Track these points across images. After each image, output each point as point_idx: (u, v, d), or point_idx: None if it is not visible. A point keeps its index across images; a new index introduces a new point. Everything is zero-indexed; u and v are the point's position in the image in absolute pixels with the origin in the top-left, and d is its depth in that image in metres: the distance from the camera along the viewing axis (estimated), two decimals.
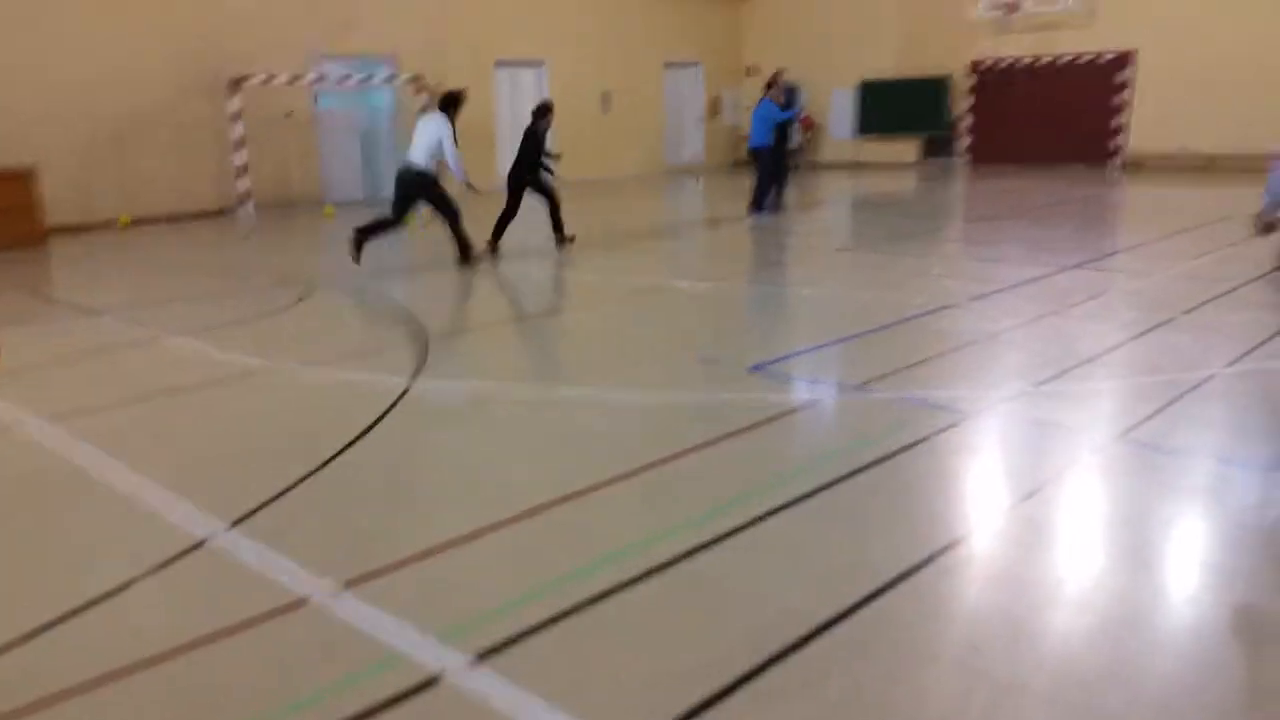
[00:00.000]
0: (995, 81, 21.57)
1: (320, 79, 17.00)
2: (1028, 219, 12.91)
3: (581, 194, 19.06)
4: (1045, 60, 20.74)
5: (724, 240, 12.48)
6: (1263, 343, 5.99)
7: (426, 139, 9.86)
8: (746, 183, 21.30)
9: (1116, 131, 19.99)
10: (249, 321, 7.84)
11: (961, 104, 22.12)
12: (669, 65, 23.84)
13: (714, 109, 25.17)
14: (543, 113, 11.18)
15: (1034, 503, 3.82)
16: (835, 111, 23.82)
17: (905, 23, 22.54)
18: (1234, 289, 7.54)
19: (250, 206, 16.28)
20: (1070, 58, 20.33)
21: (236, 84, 15.94)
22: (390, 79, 18.22)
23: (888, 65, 22.59)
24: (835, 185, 19.79)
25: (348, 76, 17.43)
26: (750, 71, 25.29)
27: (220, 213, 16.29)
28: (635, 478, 4.17)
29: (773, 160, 14.27)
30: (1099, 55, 19.93)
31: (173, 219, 15.69)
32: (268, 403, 5.60)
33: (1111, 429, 4.64)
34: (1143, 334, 6.35)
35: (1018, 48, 21.02)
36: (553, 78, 21.16)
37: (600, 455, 4.49)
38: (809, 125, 23.75)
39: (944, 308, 7.34)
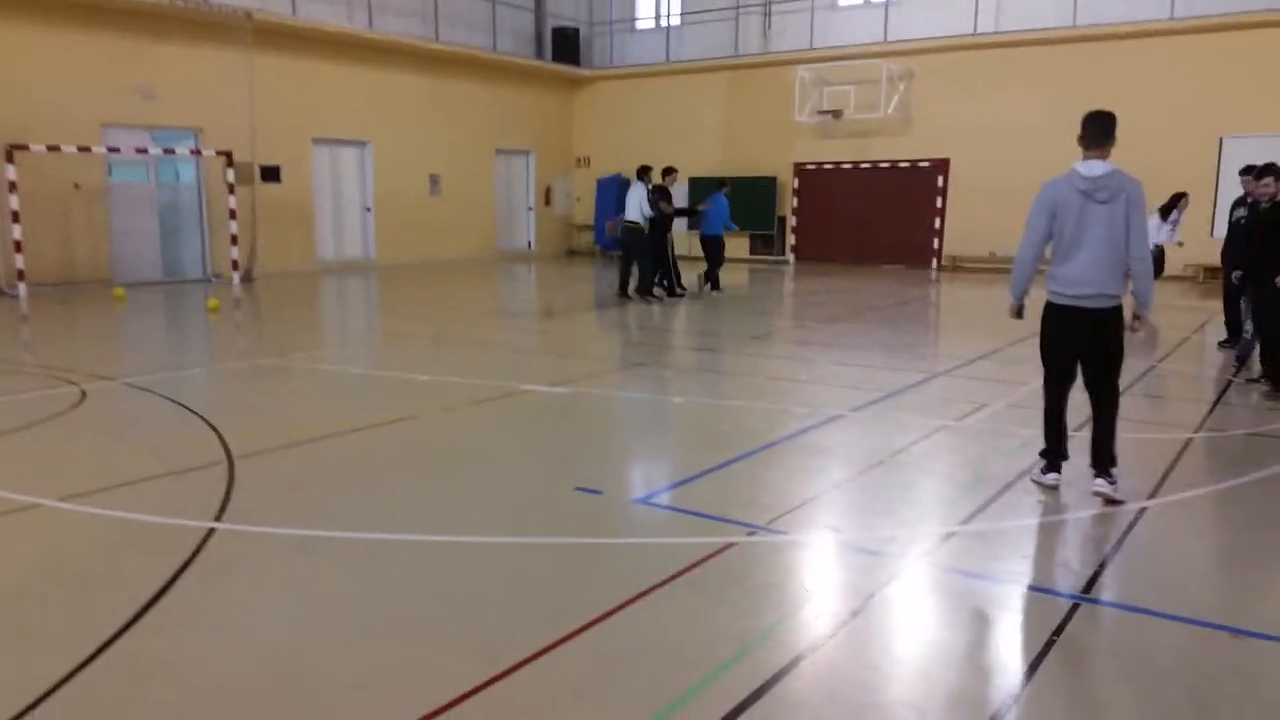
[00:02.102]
0: (819, 183, 22.17)
1: (115, 150, 15.31)
2: (873, 320, 12.88)
3: (409, 279, 17.92)
4: (866, 165, 21.51)
5: (571, 334, 11.71)
6: (1170, 468, 5.73)
7: (635, 201, 14.01)
8: (581, 270, 20.98)
9: (934, 234, 20.84)
10: (5, 434, 6.33)
11: (787, 203, 22.58)
12: (500, 151, 23.26)
13: (546, 197, 24.71)
14: (644, 173, 14.28)
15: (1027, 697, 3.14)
16: (638, 203, 23.78)
17: (733, 122, 22.96)
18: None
19: (21, 288, 14.22)
20: (889, 164, 21.17)
21: (10, 152, 14.06)
22: (196, 152, 16.69)
23: (715, 163, 22.83)
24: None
25: (144, 149, 15.81)
26: (581, 162, 25.08)
27: None
28: (515, 679, 3.20)
29: (654, 248, 14.42)
30: (915, 162, 20.85)
31: None
32: (15, 558, 4.25)
33: (1051, 581, 4.08)
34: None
35: (840, 152, 21.74)
36: (378, 157, 20.09)
37: (467, 639, 3.49)
38: None
39: (829, 420, 6.79)
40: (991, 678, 3.23)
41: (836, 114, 21.15)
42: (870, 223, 21.62)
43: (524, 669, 3.20)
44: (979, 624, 3.72)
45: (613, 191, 23.24)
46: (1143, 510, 4.91)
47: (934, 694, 3.14)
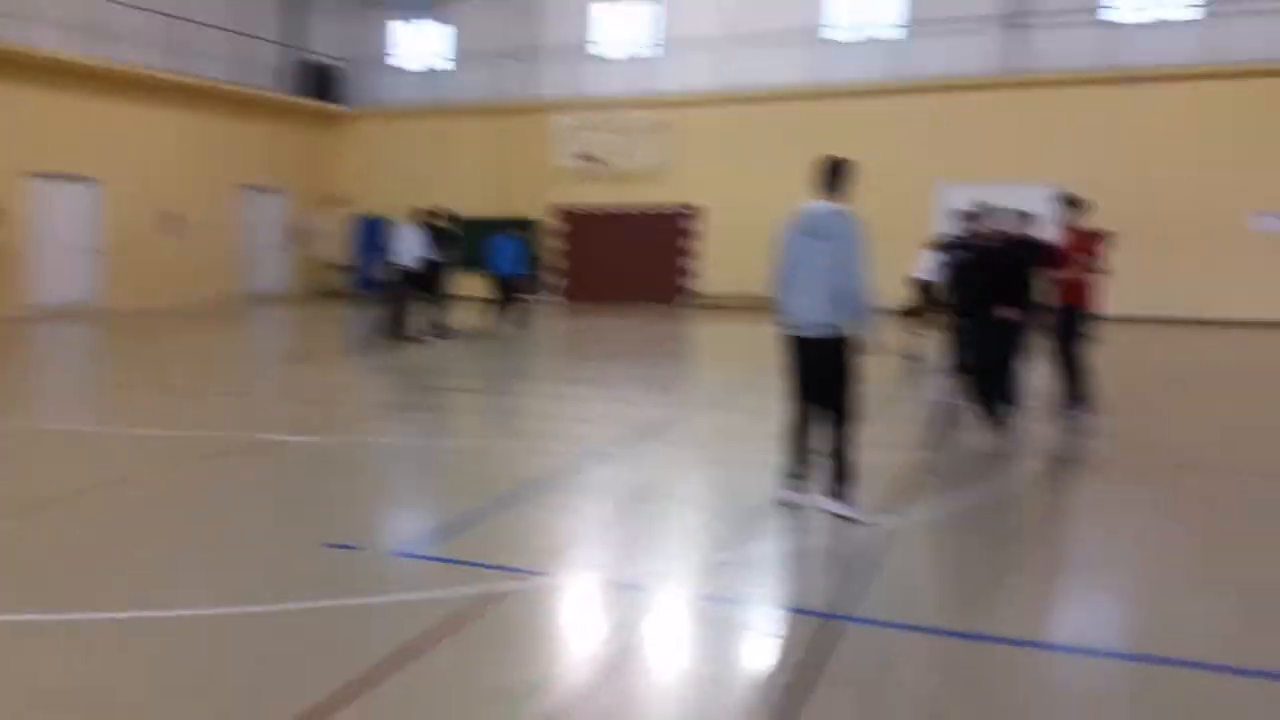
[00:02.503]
0: (581, 226, 22.46)
1: None
2: (637, 357, 13.07)
3: (145, 326, 16.39)
4: (627, 210, 22.03)
5: (324, 380, 11.05)
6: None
7: (410, 243, 13.52)
8: (338, 313, 20.02)
9: (687, 274, 21.63)
10: None
11: (552, 246, 22.70)
12: (249, 188, 21.90)
13: (300, 237, 23.49)
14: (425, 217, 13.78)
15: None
16: (406, 245, 23.25)
17: (496, 164, 22.88)
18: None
19: None
20: (648, 209, 21.80)
21: None
22: None
23: (476, 204, 22.57)
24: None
25: None
26: (333, 200, 24.10)
27: None
28: None
29: (430, 289, 14.00)
30: (671, 208, 21.59)
31: None
32: None
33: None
34: None
35: (601, 196, 22.15)
36: (110, 194, 18.33)
37: None
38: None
39: (596, 457, 6.73)
40: (761, 704, 3.20)
41: (597, 160, 21.56)
42: (631, 264, 22.10)
43: None
44: (745, 651, 3.72)
45: (373, 231, 22.44)
46: (887, 528, 5.14)
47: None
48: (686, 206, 21.39)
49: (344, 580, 4.35)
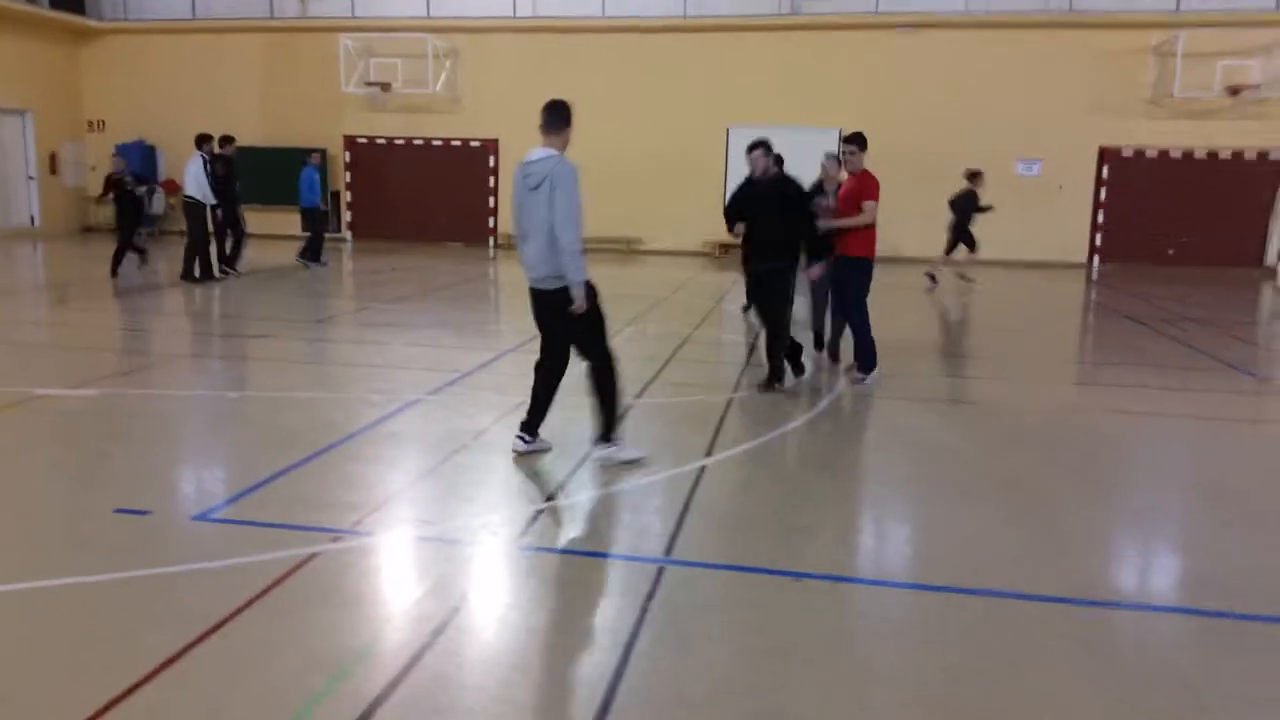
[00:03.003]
0: (372, 158, 21.51)
1: None
2: (441, 299, 12.78)
3: None
4: (418, 141, 21.26)
5: (94, 325, 10.12)
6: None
7: (193, 173, 12.81)
8: (101, 250, 18.25)
9: (489, 213, 21.23)
10: None
11: (340, 178, 21.62)
12: None
13: (51, 165, 21.19)
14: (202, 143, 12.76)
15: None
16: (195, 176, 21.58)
17: (273, 89, 21.40)
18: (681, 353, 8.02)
19: None
20: (441, 141, 21.13)
21: None
22: None
23: (255, 132, 21.11)
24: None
25: None
26: (94, 126, 21.88)
27: None
28: None
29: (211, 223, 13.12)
30: (466, 141, 21.02)
31: None
32: None
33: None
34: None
35: (392, 127, 21.25)
36: None
37: None
38: (174, 189, 21.18)
39: (407, 405, 6.58)
40: (596, 653, 3.29)
41: (385, 87, 20.60)
42: (427, 200, 21.41)
43: None
44: (576, 601, 3.79)
45: (136, 159, 20.53)
46: (703, 469, 5.36)
47: (545, 683, 3.13)
48: (481, 141, 20.89)
49: (140, 549, 4.07)
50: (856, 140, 7.79)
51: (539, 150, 5.22)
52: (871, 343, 7.57)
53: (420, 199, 21.42)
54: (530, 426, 5.55)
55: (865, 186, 7.46)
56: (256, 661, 3.17)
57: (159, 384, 7.33)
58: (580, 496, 4.92)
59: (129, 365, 8.04)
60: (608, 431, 5.43)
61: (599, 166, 20.12)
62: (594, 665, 3.19)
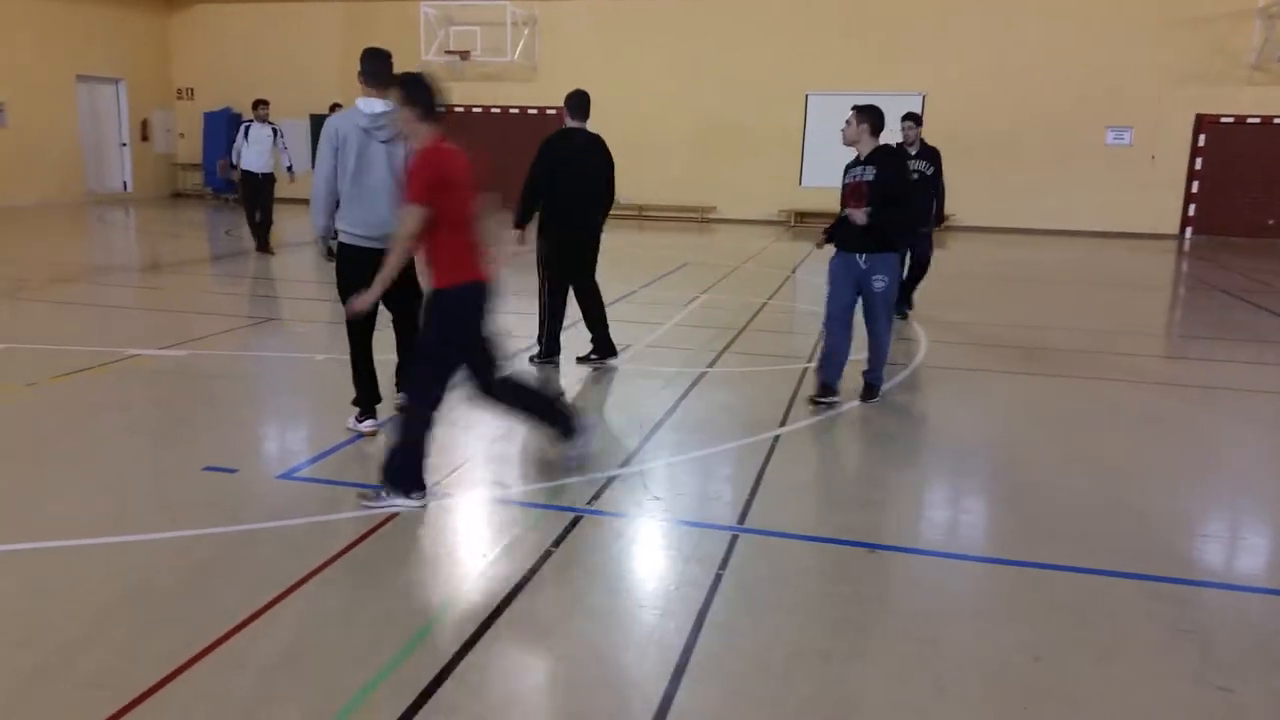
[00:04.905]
0: (451, 125, 21.66)
1: None
2: (517, 265, 12.83)
3: None
4: (495, 109, 21.36)
5: (185, 288, 10.46)
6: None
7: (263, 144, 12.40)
8: (191, 215, 18.85)
9: None
10: None
11: None
12: (82, 79, 20.15)
13: (144, 132, 21.86)
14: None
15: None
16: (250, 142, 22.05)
17: (353, 58, 21.64)
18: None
19: None
20: (517, 109, 21.19)
21: None
22: None
23: (339, 100, 21.45)
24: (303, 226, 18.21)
25: None
26: (183, 94, 22.49)
27: None
28: (147, 709, 2.77)
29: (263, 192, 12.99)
30: (542, 109, 21.05)
31: None
32: None
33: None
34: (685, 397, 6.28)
35: (470, 95, 21.38)
36: None
37: (79, 671, 2.97)
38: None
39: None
40: (669, 619, 3.30)
41: (464, 55, 20.72)
42: (502, 167, 21.50)
43: (160, 692, 2.76)
44: (649, 567, 3.80)
45: (222, 127, 21.09)
46: (776, 438, 5.32)
47: (619, 646, 3.15)
48: (558, 109, 20.89)
49: (228, 506, 4.20)
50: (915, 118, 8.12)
51: (377, 103, 4.95)
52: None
53: (498, 166, 21.56)
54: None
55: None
56: (339, 618, 3.26)
57: (247, 346, 7.55)
58: (654, 463, 4.93)
59: (219, 327, 8.29)
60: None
61: (674, 134, 20.09)
62: (667, 631, 3.20)
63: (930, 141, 8.73)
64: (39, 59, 18.94)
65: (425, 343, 4.25)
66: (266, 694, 2.78)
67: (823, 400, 5.91)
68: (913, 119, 8.60)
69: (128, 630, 3.13)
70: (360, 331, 5.18)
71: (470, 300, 4.17)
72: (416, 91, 4.15)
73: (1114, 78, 17.83)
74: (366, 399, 5.25)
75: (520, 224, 6.68)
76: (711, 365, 7.02)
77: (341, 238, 5.04)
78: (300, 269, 12.12)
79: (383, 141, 4.95)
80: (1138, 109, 17.96)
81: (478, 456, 5.05)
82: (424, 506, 4.17)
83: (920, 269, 8.85)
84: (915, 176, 8.35)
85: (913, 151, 8.52)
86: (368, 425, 5.22)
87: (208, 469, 4.61)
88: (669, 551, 3.92)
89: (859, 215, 5.57)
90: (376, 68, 5.09)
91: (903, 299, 8.61)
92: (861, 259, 5.72)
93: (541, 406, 4.62)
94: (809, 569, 3.76)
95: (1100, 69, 17.83)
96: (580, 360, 6.88)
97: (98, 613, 3.24)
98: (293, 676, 2.88)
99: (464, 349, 4.24)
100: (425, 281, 4.23)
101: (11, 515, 4.06)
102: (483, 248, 4.24)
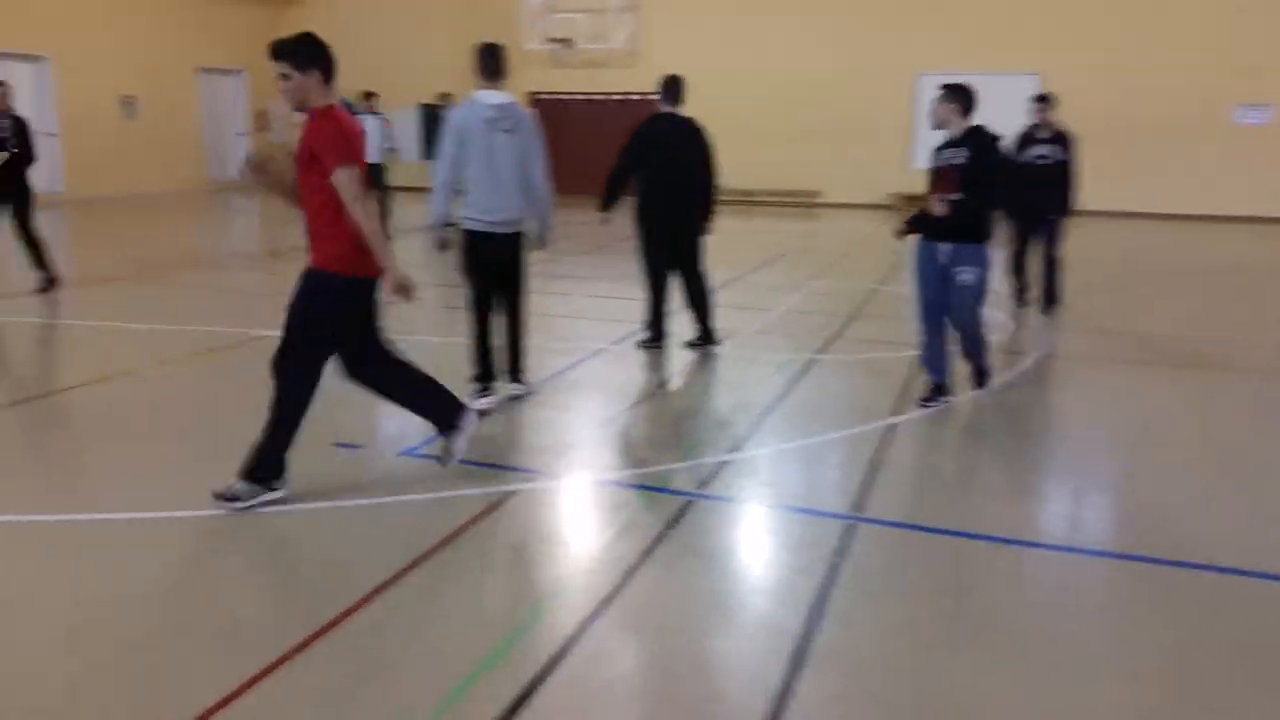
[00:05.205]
0: (554, 114, 21.91)
1: None
2: (624, 251, 12.93)
3: (107, 214, 15.95)
4: (598, 97, 21.48)
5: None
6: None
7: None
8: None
9: None
10: None
11: None
12: (204, 71, 21.04)
13: (262, 122, 22.71)
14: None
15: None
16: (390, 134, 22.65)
17: (461, 47, 22.05)
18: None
19: None
20: (620, 96, 21.25)
21: None
22: None
23: (444, 89, 21.89)
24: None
25: None
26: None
27: None
28: (285, 673, 2.89)
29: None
30: (645, 96, 21.05)
31: None
32: None
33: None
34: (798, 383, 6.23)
35: (572, 83, 21.54)
36: (60, 75, 17.51)
37: (215, 637, 3.12)
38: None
39: (592, 355, 6.73)
40: (786, 606, 3.28)
41: (567, 42, 20.88)
42: (605, 154, 21.62)
43: (303, 655, 2.88)
44: (763, 552, 3.79)
45: None
46: (890, 426, 5.23)
47: (737, 631, 3.15)
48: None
49: (358, 479, 4.39)
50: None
51: (497, 94, 5.26)
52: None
53: (598, 154, 21.69)
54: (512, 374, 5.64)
55: None
56: (461, 592, 3.35)
57: None
58: (765, 450, 4.91)
59: None
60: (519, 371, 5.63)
61: (778, 118, 19.85)
62: (784, 618, 3.18)
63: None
64: (164, 53, 19.82)
65: (296, 328, 4.02)
66: (390, 662, 2.87)
67: (931, 402, 5.56)
68: (1044, 100, 8.14)
69: (269, 594, 3.28)
70: (482, 310, 5.44)
71: (354, 297, 4.00)
72: (317, 54, 3.93)
73: (1249, 52, 16.85)
74: (486, 374, 5.50)
75: (604, 208, 6.71)
76: (822, 352, 6.94)
77: (466, 224, 5.35)
78: (411, 254, 12.43)
79: (505, 131, 5.19)
80: (1277, 85, 16.96)
81: (587, 439, 5.11)
82: (284, 495, 4.01)
83: (1053, 262, 8.33)
84: (1041, 162, 8.02)
85: (1045, 135, 8.10)
86: (485, 403, 5.39)
87: (338, 444, 4.78)
88: (781, 538, 3.90)
89: (939, 206, 5.18)
90: (492, 62, 5.29)
91: (1047, 298, 8.26)
92: (944, 249, 5.34)
93: (421, 397, 4.34)
94: (929, 560, 3.69)
95: (1233, 43, 16.88)
96: (687, 345, 6.88)
97: (241, 576, 3.41)
98: (415, 647, 2.97)
99: (337, 338, 4.06)
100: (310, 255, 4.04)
101: (163, 487, 4.28)
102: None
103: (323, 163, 3.78)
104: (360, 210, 3.79)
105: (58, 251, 9.10)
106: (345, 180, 3.76)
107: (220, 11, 21.14)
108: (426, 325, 8.15)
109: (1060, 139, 8.07)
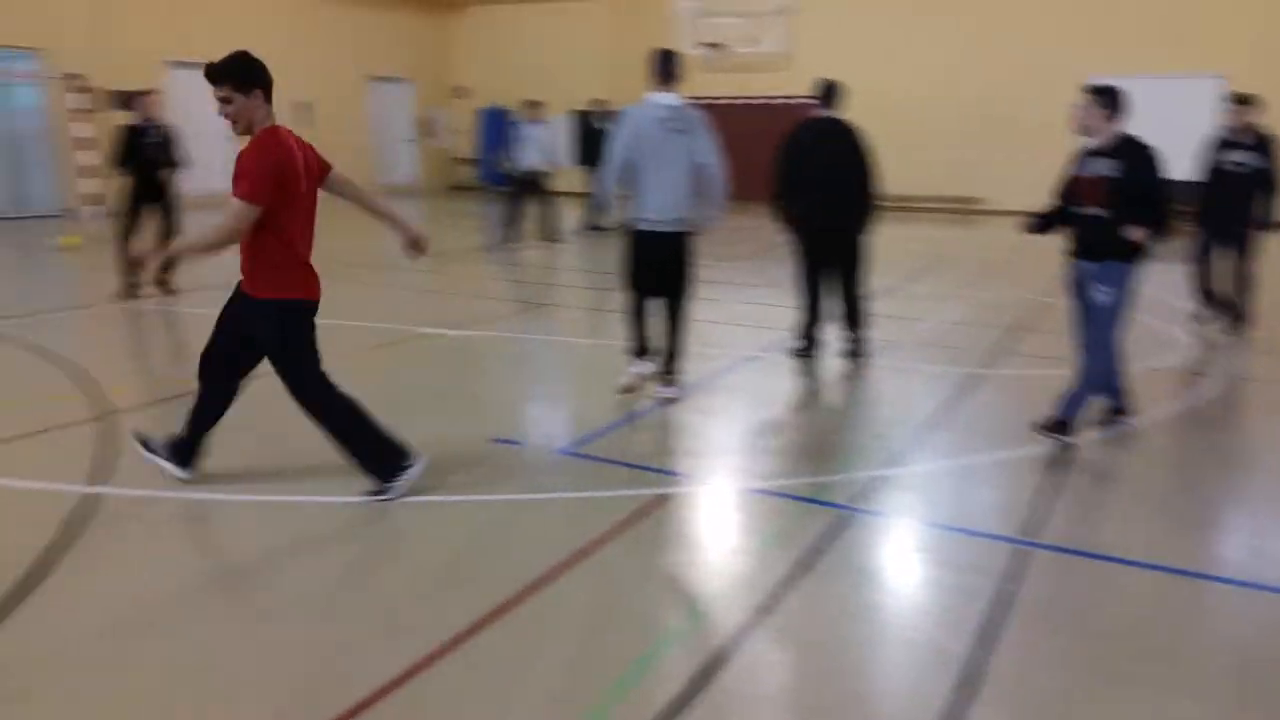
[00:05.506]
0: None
1: None
2: (776, 258, 12.85)
3: None
4: (755, 101, 21.36)
5: (467, 274, 11.23)
6: None
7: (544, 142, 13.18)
8: (468, 206, 20.21)
9: None
10: None
11: None
12: (374, 79, 22.10)
13: (426, 129, 23.68)
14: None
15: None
16: (523, 140, 23.15)
17: (617, 53, 22.40)
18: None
19: None
20: (778, 100, 21.07)
21: None
22: (36, 75, 15.24)
23: (600, 95, 22.28)
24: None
25: None
26: (459, 92, 24.08)
27: None
28: (448, 662, 2.97)
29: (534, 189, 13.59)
30: (798, 100, 20.81)
31: None
32: None
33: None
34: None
35: (723, 87, 21.50)
36: None
37: (386, 620, 3.23)
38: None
39: (744, 361, 6.69)
40: (955, 630, 3.15)
41: (719, 46, 20.87)
42: (756, 159, 21.50)
43: (459, 649, 2.96)
44: (927, 573, 3.66)
45: (497, 123, 22.45)
46: (1066, 447, 4.94)
47: (896, 650, 3.06)
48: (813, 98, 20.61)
49: (516, 475, 4.50)
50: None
51: (670, 96, 5.43)
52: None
53: (750, 159, 21.60)
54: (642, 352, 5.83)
55: None
56: (614, 592, 3.37)
57: (522, 329, 8.00)
58: (924, 466, 4.74)
59: (496, 311, 8.83)
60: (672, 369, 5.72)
61: (938, 122, 19.26)
62: (949, 641, 3.04)
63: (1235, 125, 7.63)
64: (339, 63, 20.93)
65: (284, 366, 4.06)
66: (547, 656, 2.91)
67: (1106, 424, 5.14)
68: (1244, 101, 7.44)
69: (432, 583, 3.39)
70: (639, 298, 5.69)
71: (292, 319, 4.00)
72: (254, 73, 3.79)
73: None
74: (639, 349, 5.78)
75: (778, 216, 6.63)
76: (983, 366, 6.68)
77: (633, 223, 5.50)
78: (568, 258, 12.68)
79: (677, 131, 5.32)
80: None
81: (738, 445, 5.07)
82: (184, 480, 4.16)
83: (1245, 278, 7.63)
84: (1238, 169, 7.43)
85: (1243, 140, 7.42)
86: (637, 369, 5.78)
87: (496, 440, 4.92)
88: (942, 559, 3.75)
89: (1136, 233, 4.63)
90: (667, 66, 5.47)
91: (1235, 316, 7.64)
92: (1086, 266, 4.88)
93: (360, 442, 4.09)
94: (1114, 592, 3.47)
95: None
96: (842, 355, 6.73)
97: (400, 562, 3.54)
98: (572, 644, 3.00)
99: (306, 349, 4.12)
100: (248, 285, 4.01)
101: (323, 470, 4.47)
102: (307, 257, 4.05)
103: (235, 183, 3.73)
104: (215, 234, 3.79)
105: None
106: (236, 209, 3.72)
107: (389, 22, 22.16)
108: (575, 328, 8.32)
109: (1262, 145, 7.43)
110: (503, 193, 14.25)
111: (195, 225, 9.17)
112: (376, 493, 4.04)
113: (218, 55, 3.85)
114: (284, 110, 17.26)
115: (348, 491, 4.12)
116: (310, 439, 4.17)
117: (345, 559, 3.69)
